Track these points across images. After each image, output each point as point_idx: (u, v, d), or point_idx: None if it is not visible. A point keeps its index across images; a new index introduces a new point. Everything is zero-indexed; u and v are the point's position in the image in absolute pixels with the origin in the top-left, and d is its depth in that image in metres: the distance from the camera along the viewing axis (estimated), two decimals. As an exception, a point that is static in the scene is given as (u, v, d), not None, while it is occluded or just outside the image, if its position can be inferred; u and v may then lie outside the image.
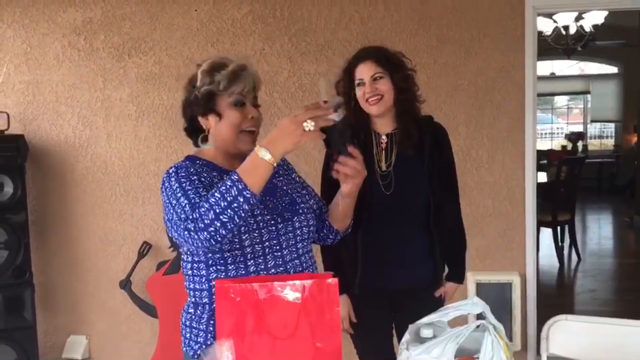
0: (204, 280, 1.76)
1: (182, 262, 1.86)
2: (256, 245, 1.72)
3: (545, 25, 6.73)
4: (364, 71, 2.24)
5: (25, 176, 3.62)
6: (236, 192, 1.53)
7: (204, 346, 1.74)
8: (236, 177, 1.55)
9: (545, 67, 11.17)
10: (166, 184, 1.72)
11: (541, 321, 2.08)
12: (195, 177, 1.70)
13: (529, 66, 3.53)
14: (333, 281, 1.56)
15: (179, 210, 1.63)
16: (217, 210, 1.54)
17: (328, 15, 3.64)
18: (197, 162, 1.80)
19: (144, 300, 3.70)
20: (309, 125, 1.52)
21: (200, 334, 1.76)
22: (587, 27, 6.88)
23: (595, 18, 6.73)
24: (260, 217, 1.73)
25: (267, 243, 1.74)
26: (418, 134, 2.28)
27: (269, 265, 1.73)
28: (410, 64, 2.32)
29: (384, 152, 2.30)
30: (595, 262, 6.52)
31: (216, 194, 1.55)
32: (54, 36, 3.80)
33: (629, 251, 7.38)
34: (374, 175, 2.27)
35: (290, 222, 1.78)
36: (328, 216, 1.94)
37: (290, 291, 1.55)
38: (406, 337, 1.44)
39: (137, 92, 3.78)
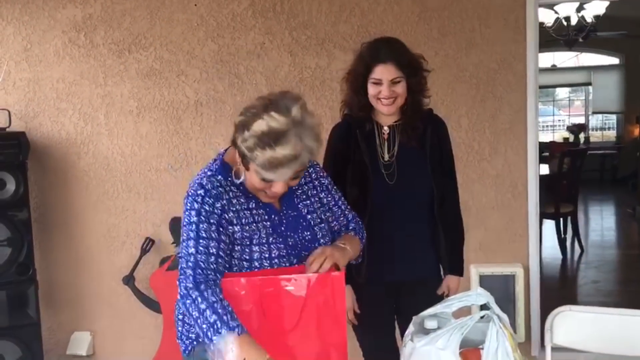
0: None
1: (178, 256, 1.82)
2: (264, 261, 1.68)
3: (547, 17, 6.70)
4: (384, 73, 2.21)
5: (27, 173, 3.61)
6: (212, 331, 1.52)
7: (195, 342, 1.74)
8: (237, 331, 1.49)
9: (547, 58, 11.13)
10: (188, 206, 1.67)
11: (544, 313, 2.08)
12: (215, 220, 1.64)
13: (531, 58, 3.52)
14: (338, 274, 1.56)
15: (184, 249, 1.65)
16: (196, 315, 1.56)
17: (328, 8, 3.62)
18: (229, 178, 1.72)
19: (147, 295, 3.70)
20: None
21: (192, 330, 1.74)
22: (589, 18, 6.86)
23: (596, 9, 6.71)
24: (276, 260, 1.68)
25: (275, 260, 1.70)
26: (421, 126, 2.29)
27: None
28: (426, 65, 2.30)
29: (386, 142, 2.31)
30: (598, 254, 6.51)
31: (202, 308, 1.55)
32: (54, 33, 3.79)
33: (631, 242, 7.37)
34: (378, 166, 2.27)
35: (304, 261, 1.71)
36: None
37: (295, 285, 1.54)
38: (411, 328, 1.44)
39: (138, 88, 3.78)
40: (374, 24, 3.58)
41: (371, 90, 2.24)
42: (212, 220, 1.64)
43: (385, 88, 2.21)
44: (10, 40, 3.82)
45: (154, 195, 3.80)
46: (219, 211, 1.65)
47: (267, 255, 1.67)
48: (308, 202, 1.83)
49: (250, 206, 1.72)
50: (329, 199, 1.90)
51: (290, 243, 1.72)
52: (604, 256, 6.43)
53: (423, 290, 2.33)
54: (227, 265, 1.66)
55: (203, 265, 1.60)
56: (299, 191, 1.83)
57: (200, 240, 1.62)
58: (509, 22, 3.53)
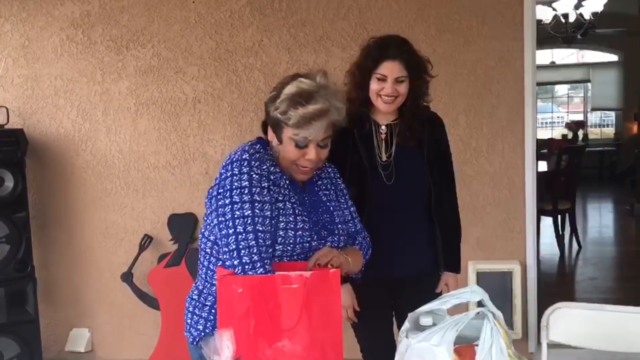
0: (211, 265, 1.78)
1: (201, 239, 1.82)
2: (284, 257, 1.73)
3: (545, 14, 6.71)
4: (391, 70, 2.21)
5: (26, 170, 3.62)
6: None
7: (202, 334, 1.77)
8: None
9: (546, 55, 11.14)
10: (235, 170, 1.67)
11: (542, 310, 2.08)
12: (266, 183, 1.67)
13: (528, 55, 3.52)
14: (335, 271, 1.57)
15: (240, 216, 1.62)
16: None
17: (326, 6, 3.62)
18: (262, 152, 1.75)
19: (145, 292, 3.71)
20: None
21: (200, 322, 1.79)
22: (587, 15, 6.87)
23: (594, 6, 6.71)
24: (300, 232, 1.72)
25: (295, 257, 1.74)
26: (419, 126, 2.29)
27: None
28: (431, 69, 2.31)
29: (383, 142, 2.31)
30: (595, 250, 6.53)
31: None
32: (52, 30, 3.79)
33: (629, 239, 7.39)
34: (376, 166, 2.28)
35: (323, 241, 1.77)
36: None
37: (292, 282, 1.55)
38: (406, 325, 1.44)
39: (136, 85, 3.78)
40: (371, 22, 3.58)
41: (374, 85, 2.24)
42: (264, 184, 1.66)
43: (389, 85, 2.21)
44: (8, 37, 3.82)
45: (152, 192, 3.81)
46: (266, 173, 1.68)
47: (292, 226, 1.70)
48: (327, 192, 1.91)
49: (282, 182, 1.76)
50: (342, 200, 1.94)
51: (313, 219, 1.77)
52: (602, 253, 6.45)
53: (421, 288, 2.34)
54: None
55: (262, 236, 1.62)
56: (319, 182, 1.91)
57: (256, 204, 1.63)
58: (506, 20, 3.53)
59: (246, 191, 1.64)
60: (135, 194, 3.82)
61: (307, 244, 1.74)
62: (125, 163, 3.82)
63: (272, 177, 1.71)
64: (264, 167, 1.69)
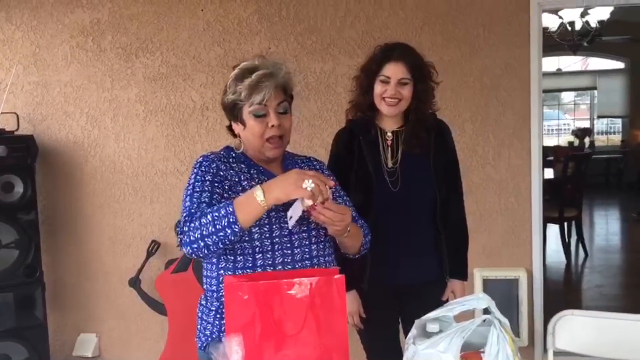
0: (213, 268, 1.80)
1: None
2: (265, 240, 1.75)
3: (551, 21, 6.71)
4: (394, 71, 2.23)
5: (35, 176, 3.65)
6: (226, 223, 1.61)
7: (209, 339, 1.79)
8: (231, 209, 1.61)
9: (552, 63, 11.13)
10: (191, 172, 1.81)
11: (548, 317, 2.09)
12: (210, 177, 1.76)
13: (535, 62, 3.54)
14: (340, 277, 1.58)
15: (182, 209, 1.74)
16: (204, 233, 1.63)
17: (333, 13, 3.65)
18: (232, 153, 1.87)
19: (153, 298, 3.73)
20: (308, 185, 1.58)
21: (208, 327, 1.81)
22: (593, 23, 6.86)
23: (600, 14, 6.71)
24: (273, 212, 1.74)
25: (277, 239, 1.75)
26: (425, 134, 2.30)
27: (276, 262, 1.75)
28: (435, 77, 2.33)
29: (389, 149, 2.32)
30: (602, 258, 6.51)
31: (208, 217, 1.63)
32: (62, 37, 3.83)
33: (636, 247, 7.35)
34: (381, 172, 2.29)
35: (305, 221, 1.78)
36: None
37: (298, 288, 1.56)
38: (413, 331, 1.46)
39: (145, 92, 3.81)
40: (378, 30, 3.60)
41: (378, 88, 2.25)
42: (206, 177, 1.76)
43: (391, 87, 2.22)
44: (19, 45, 3.86)
45: (160, 198, 3.84)
46: (214, 170, 1.78)
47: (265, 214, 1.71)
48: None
49: (252, 172, 1.83)
50: (332, 190, 1.92)
51: (290, 202, 1.72)
52: (608, 261, 6.43)
53: (427, 294, 2.34)
54: None
55: (194, 210, 1.70)
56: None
57: (194, 194, 1.73)
58: (512, 28, 3.55)
59: (189, 187, 1.77)
60: (143, 200, 3.85)
61: (285, 224, 1.74)
62: (133, 169, 3.85)
63: (221, 173, 1.78)
64: (213, 165, 1.79)
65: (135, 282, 3.75)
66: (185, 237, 1.65)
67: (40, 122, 3.88)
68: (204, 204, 1.70)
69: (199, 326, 1.84)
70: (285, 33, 3.69)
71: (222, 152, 1.87)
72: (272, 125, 1.78)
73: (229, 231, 1.61)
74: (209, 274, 1.82)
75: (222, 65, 3.74)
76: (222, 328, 1.72)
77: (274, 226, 1.75)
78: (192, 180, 1.77)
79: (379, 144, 2.32)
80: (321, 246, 1.83)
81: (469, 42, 3.58)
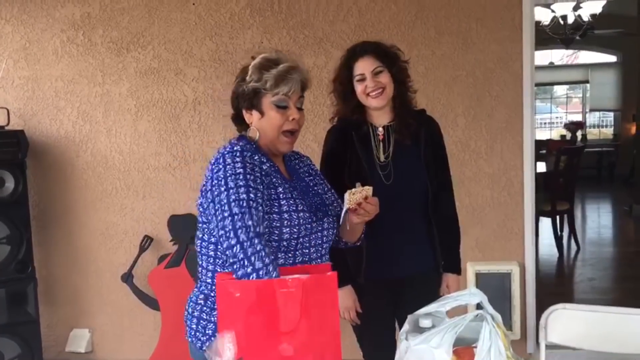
0: (226, 264, 1.75)
1: (201, 244, 1.82)
2: (292, 240, 1.76)
3: (543, 15, 6.72)
4: (365, 66, 2.27)
5: (26, 171, 3.63)
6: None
7: (212, 338, 1.75)
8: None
9: (544, 56, 11.16)
10: (228, 160, 1.69)
11: (540, 310, 2.09)
12: (256, 176, 1.69)
13: (527, 56, 3.54)
14: (332, 274, 1.58)
15: (236, 200, 1.62)
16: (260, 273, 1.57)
17: (326, 7, 3.64)
18: (248, 146, 1.78)
19: (146, 293, 3.72)
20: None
21: (209, 326, 1.78)
22: (585, 17, 6.88)
23: (593, 7, 6.73)
24: (302, 214, 1.76)
25: (300, 240, 1.77)
26: (415, 124, 2.32)
27: (296, 261, 1.77)
28: (403, 56, 2.36)
29: (381, 143, 2.34)
30: (594, 251, 6.55)
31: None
32: (53, 31, 3.80)
33: (627, 240, 7.40)
34: (374, 167, 2.30)
35: (321, 222, 1.82)
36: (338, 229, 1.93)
37: (289, 286, 1.56)
38: (405, 327, 1.46)
39: (136, 87, 3.79)
40: (371, 23, 3.59)
41: (358, 88, 2.29)
42: (256, 173, 1.69)
43: (369, 80, 2.26)
44: (9, 39, 3.83)
45: (152, 193, 3.82)
46: (258, 162, 1.73)
47: (294, 208, 1.73)
48: (310, 177, 1.95)
49: (272, 170, 1.80)
50: (322, 184, 1.98)
51: (307, 202, 1.81)
52: (600, 254, 6.46)
53: (422, 288, 2.35)
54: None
55: (256, 217, 1.61)
56: (301, 170, 1.96)
57: (251, 189, 1.64)
58: (505, 22, 3.54)
59: (241, 177, 1.65)
60: (135, 195, 3.84)
61: (309, 225, 1.77)
62: (125, 164, 3.83)
63: (264, 167, 1.74)
64: (256, 157, 1.73)
65: (128, 278, 3.74)
66: (256, 259, 1.56)
67: (31, 117, 3.85)
68: (261, 206, 1.64)
69: (194, 325, 1.80)
70: (277, 27, 3.67)
71: (246, 145, 1.77)
72: (293, 119, 1.79)
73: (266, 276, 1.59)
74: (218, 270, 1.77)
75: (214, 60, 3.72)
76: None
77: (302, 227, 1.76)
78: (242, 171, 1.66)
79: (371, 138, 2.34)
80: (328, 245, 1.87)
81: (462, 36, 3.57)
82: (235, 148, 1.72)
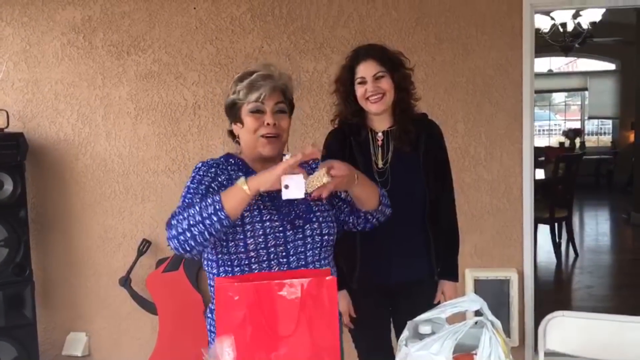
0: (214, 279, 1.80)
1: (206, 263, 1.90)
2: (260, 250, 1.76)
3: (543, 23, 6.74)
4: (367, 70, 2.26)
5: (25, 174, 3.62)
6: (212, 210, 1.63)
7: None
8: (218, 197, 1.64)
9: (543, 64, 11.19)
10: (190, 177, 1.84)
11: (539, 317, 2.10)
12: (207, 181, 1.79)
13: (527, 63, 3.55)
14: (331, 279, 1.57)
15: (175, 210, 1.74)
16: (191, 222, 1.64)
17: (327, 13, 3.65)
18: (231, 160, 1.90)
19: (143, 297, 3.71)
20: (320, 180, 1.64)
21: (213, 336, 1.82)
22: (585, 25, 6.90)
23: (592, 15, 6.75)
24: (268, 223, 1.77)
25: (272, 249, 1.77)
26: (415, 131, 2.31)
27: (272, 270, 1.78)
28: (408, 63, 2.34)
29: (380, 149, 2.34)
30: (592, 259, 6.55)
31: (195, 207, 1.65)
32: (53, 34, 3.81)
33: (626, 247, 7.41)
34: (372, 172, 2.29)
35: (300, 230, 1.81)
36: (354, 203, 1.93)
37: (289, 289, 1.55)
38: (405, 333, 1.45)
39: (136, 90, 3.79)
40: (371, 29, 3.60)
41: (359, 91, 2.28)
42: (203, 181, 1.79)
43: (369, 84, 2.25)
44: (10, 41, 3.83)
45: (151, 197, 3.82)
46: (212, 175, 1.82)
47: (258, 219, 1.77)
48: None
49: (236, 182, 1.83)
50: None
51: (283, 211, 1.81)
52: (598, 261, 6.46)
53: (418, 293, 2.35)
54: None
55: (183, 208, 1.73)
56: None
57: (188, 195, 1.77)
58: (505, 29, 3.55)
59: (185, 190, 1.81)
60: (134, 198, 3.83)
61: (281, 234, 1.78)
62: (124, 167, 3.83)
63: (218, 179, 1.82)
64: (212, 170, 1.83)
65: (125, 281, 3.73)
66: (173, 230, 1.67)
67: (31, 119, 3.85)
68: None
69: (210, 339, 1.85)
70: (278, 32, 3.68)
71: (221, 159, 1.90)
72: (268, 124, 1.82)
73: (215, 218, 1.62)
74: (211, 283, 1.84)
75: (214, 64, 3.72)
76: None
77: (269, 236, 1.77)
78: (189, 183, 1.80)
79: (370, 144, 2.33)
80: (316, 252, 1.84)
81: (462, 42, 3.58)
82: (197, 165, 1.86)
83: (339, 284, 2.04)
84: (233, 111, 1.88)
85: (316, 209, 1.87)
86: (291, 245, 1.79)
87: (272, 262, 1.78)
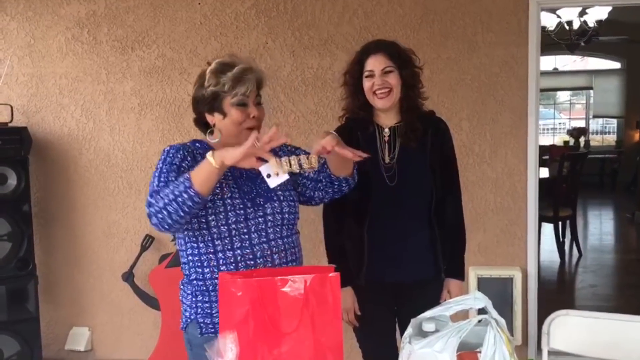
0: (184, 255, 1.94)
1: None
2: (222, 227, 1.86)
3: (549, 21, 6.71)
4: (375, 63, 2.26)
5: (29, 168, 3.63)
6: (183, 188, 1.72)
7: (189, 320, 1.92)
8: (187, 175, 1.73)
9: (548, 62, 11.15)
10: (159, 159, 1.91)
11: (542, 316, 2.09)
12: (177, 162, 1.87)
13: (532, 61, 3.53)
14: (334, 275, 1.57)
15: (149, 190, 1.84)
16: (165, 201, 1.73)
17: (331, 9, 3.63)
18: (198, 144, 1.98)
19: (146, 292, 3.72)
20: (257, 143, 1.69)
21: (186, 309, 1.94)
22: (591, 23, 6.86)
23: (598, 13, 6.71)
24: (229, 200, 1.86)
25: (233, 225, 1.86)
26: (422, 128, 2.30)
27: (235, 246, 1.86)
28: (418, 62, 2.34)
29: (387, 144, 2.33)
30: (596, 258, 6.53)
31: (169, 186, 1.75)
32: (58, 29, 3.80)
33: (630, 247, 7.39)
34: (379, 167, 2.29)
35: (261, 208, 1.90)
36: (330, 171, 2.01)
37: (292, 285, 1.55)
38: (409, 331, 1.45)
39: (140, 85, 3.79)
40: (376, 26, 3.59)
41: (366, 84, 2.28)
42: (174, 161, 1.87)
43: (377, 78, 2.25)
44: (14, 36, 3.83)
45: (154, 192, 3.81)
46: (181, 156, 1.89)
47: (219, 196, 1.85)
48: None
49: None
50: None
51: (245, 189, 1.91)
52: (602, 260, 6.45)
53: (424, 291, 2.34)
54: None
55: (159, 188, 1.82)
56: None
57: (162, 175, 1.84)
58: (511, 26, 3.53)
59: (157, 172, 1.88)
60: (137, 193, 3.83)
61: (241, 211, 1.87)
62: (128, 163, 3.83)
63: (187, 161, 1.89)
64: (179, 154, 1.90)
65: (128, 277, 3.73)
66: (152, 208, 1.76)
67: (35, 114, 3.85)
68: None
69: (182, 307, 1.98)
70: (282, 28, 3.67)
71: (188, 144, 1.97)
72: (253, 116, 1.91)
73: (186, 196, 1.70)
74: (183, 260, 1.96)
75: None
76: (198, 310, 1.89)
77: (230, 213, 1.86)
78: (160, 165, 1.87)
79: (377, 139, 2.33)
80: (277, 229, 1.92)
81: (467, 40, 3.57)
82: (165, 148, 1.93)
83: (346, 281, 2.05)
84: (214, 103, 1.91)
85: (279, 187, 1.92)
86: (252, 222, 1.87)
87: (234, 239, 1.86)
